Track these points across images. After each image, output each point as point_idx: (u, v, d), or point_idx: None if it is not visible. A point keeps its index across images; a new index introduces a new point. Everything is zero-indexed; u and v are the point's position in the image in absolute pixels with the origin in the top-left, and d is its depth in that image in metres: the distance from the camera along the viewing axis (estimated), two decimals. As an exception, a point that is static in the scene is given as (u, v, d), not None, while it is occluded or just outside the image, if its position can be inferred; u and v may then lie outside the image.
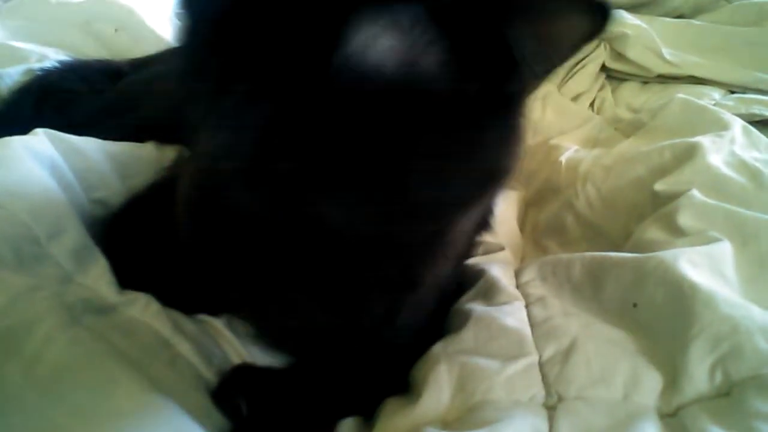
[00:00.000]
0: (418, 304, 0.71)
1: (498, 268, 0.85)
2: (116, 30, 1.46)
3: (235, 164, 0.48)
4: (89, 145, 0.88)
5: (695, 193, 0.84)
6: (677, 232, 0.81)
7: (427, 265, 0.67)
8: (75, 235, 0.74)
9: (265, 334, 0.77)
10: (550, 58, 0.49)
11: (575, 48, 0.49)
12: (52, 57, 1.28)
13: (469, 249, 0.88)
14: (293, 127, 0.46)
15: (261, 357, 0.77)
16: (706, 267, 0.70)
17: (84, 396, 0.57)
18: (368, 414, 0.70)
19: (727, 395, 0.59)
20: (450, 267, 0.75)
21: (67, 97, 1.09)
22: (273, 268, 0.64)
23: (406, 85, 0.46)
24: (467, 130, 0.49)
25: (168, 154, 0.97)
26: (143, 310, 0.71)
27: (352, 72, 0.44)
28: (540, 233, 1.05)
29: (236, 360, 0.75)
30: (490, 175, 0.54)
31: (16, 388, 0.56)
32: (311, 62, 0.44)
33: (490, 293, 0.80)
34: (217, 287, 0.72)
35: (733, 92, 1.32)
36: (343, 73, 0.44)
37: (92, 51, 1.38)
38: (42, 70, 1.18)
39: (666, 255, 0.71)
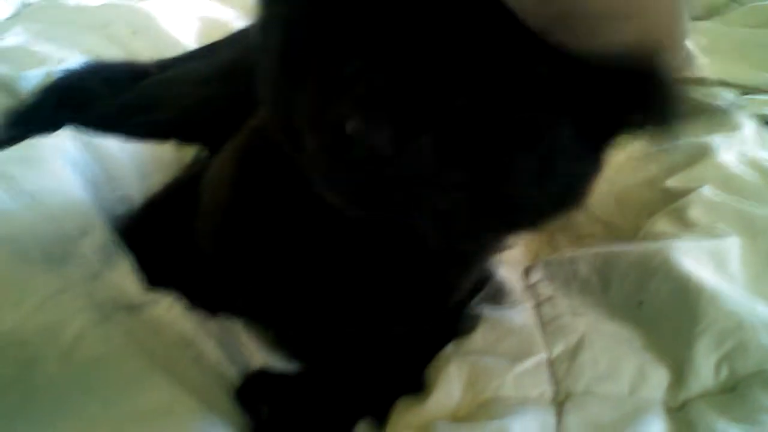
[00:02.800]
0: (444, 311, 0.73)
1: (506, 269, 0.87)
2: (133, 33, 1.48)
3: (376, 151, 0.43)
4: (112, 144, 0.90)
5: (706, 189, 0.86)
6: (686, 226, 0.83)
7: (459, 276, 0.70)
8: (101, 233, 0.76)
9: (282, 343, 0.78)
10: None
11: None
12: (71, 60, 1.31)
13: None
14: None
15: (278, 359, 0.78)
16: (711, 264, 0.72)
17: (115, 391, 0.60)
18: (382, 415, 0.71)
19: (733, 390, 0.61)
20: (480, 274, 0.77)
21: (88, 98, 1.11)
22: (316, 277, 0.65)
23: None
24: (562, 146, 0.47)
25: (187, 153, 0.99)
26: (168, 309, 0.73)
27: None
28: (552, 231, 1.06)
29: (257, 360, 0.76)
30: (570, 196, 0.53)
31: (50, 379, 0.58)
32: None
33: (499, 295, 0.81)
34: (240, 291, 0.74)
35: (745, 94, 1.32)
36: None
37: (109, 54, 1.40)
38: (64, 71, 1.20)
39: (671, 252, 0.73)
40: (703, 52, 1.41)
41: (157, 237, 0.80)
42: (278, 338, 0.78)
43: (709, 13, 1.63)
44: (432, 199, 0.47)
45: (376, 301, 0.67)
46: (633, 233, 0.92)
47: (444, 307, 0.73)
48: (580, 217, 1.01)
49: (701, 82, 1.34)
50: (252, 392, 0.71)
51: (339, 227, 0.58)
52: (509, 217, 0.52)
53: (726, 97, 1.28)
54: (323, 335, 0.73)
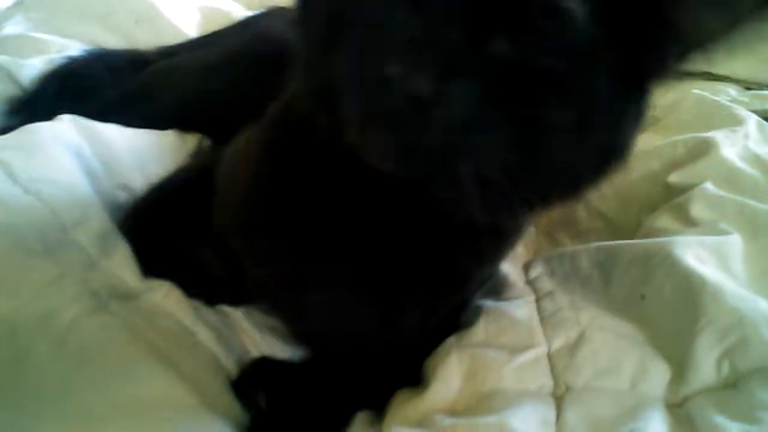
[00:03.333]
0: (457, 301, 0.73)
1: (507, 263, 0.86)
2: (136, 22, 1.48)
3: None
4: (113, 131, 0.90)
5: (708, 185, 0.85)
6: (688, 222, 0.82)
7: (475, 267, 0.69)
8: (99, 221, 0.76)
9: (290, 328, 0.78)
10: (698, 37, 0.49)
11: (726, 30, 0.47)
12: (73, 48, 1.30)
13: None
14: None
15: (278, 348, 0.78)
16: (713, 260, 0.71)
17: (109, 379, 0.59)
18: (381, 406, 0.71)
19: (734, 386, 0.61)
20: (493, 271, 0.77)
21: (90, 85, 1.11)
22: (334, 259, 0.65)
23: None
24: (600, 96, 0.47)
25: (189, 141, 0.98)
26: (165, 297, 0.73)
27: None
28: (553, 226, 1.06)
29: (254, 350, 0.76)
30: (612, 152, 0.52)
31: (46, 365, 0.58)
32: None
33: (500, 289, 0.81)
34: (249, 274, 0.74)
35: (749, 89, 1.31)
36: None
37: (112, 43, 1.39)
38: (66, 58, 1.19)
39: (674, 248, 0.72)
40: (708, 46, 1.40)
41: (160, 226, 0.80)
42: (284, 323, 0.78)
43: (714, 8, 1.62)
44: (473, 158, 0.46)
45: (398, 289, 0.67)
46: (634, 228, 0.92)
47: (460, 296, 0.74)
48: (580, 212, 1.01)
49: (706, 76, 1.34)
50: (249, 382, 0.71)
51: (368, 215, 0.59)
52: (550, 180, 0.51)
53: (729, 91, 1.28)
54: (338, 325, 0.72)
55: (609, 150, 0.51)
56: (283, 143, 0.65)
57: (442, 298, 0.71)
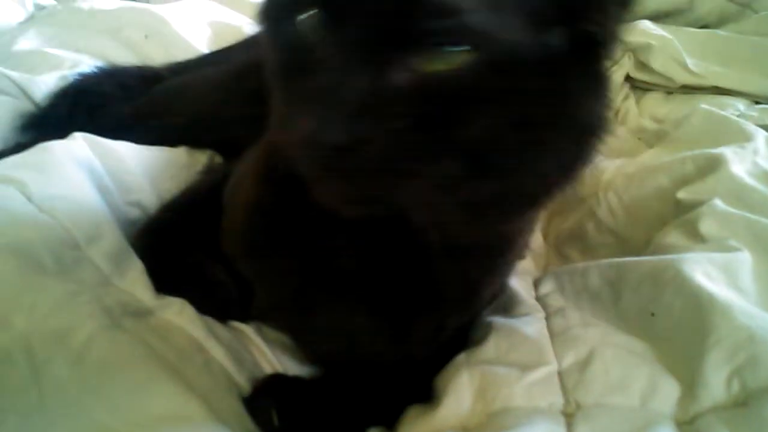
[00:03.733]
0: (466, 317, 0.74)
1: (517, 279, 0.87)
2: (146, 37, 1.49)
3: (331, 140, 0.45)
4: (124, 148, 0.91)
5: (717, 202, 0.85)
6: (697, 239, 0.82)
7: (484, 282, 0.70)
8: (112, 238, 0.76)
9: (301, 346, 0.79)
10: None
11: None
12: (85, 63, 1.32)
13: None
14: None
15: (291, 365, 0.79)
16: (723, 278, 0.71)
17: (124, 395, 0.60)
18: (392, 423, 0.72)
19: (744, 404, 0.60)
20: (503, 285, 0.77)
21: (102, 102, 1.12)
22: (335, 283, 0.66)
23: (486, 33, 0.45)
24: (550, 80, 0.47)
25: (200, 158, 0.99)
26: (178, 314, 0.73)
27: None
28: (562, 241, 1.06)
29: (266, 366, 0.77)
30: (582, 134, 0.52)
31: (60, 383, 0.59)
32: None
33: (510, 305, 0.82)
34: (257, 294, 0.74)
35: (758, 103, 1.32)
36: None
37: (122, 57, 1.41)
38: (79, 74, 1.21)
39: (683, 266, 0.72)
40: (716, 60, 1.41)
41: (172, 243, 0.80)
42: (296, 342, 0.79)
43: (722, 21, 1.62)
44: (412, 184, 0.49)
45: (406, 306, 0.67)
46: (644, 244, 0.92)
47: (467, 313, 0.74)
48: (590, 228, 1.02)
49: (714, 90, 1.35)
50: (262, 398, 0.71)
51: (355, 239, 0.61)
52: (519, 181, 0.52)
53: (738, 106, 1.28)
54: (343, 343, 0.73)
55: (584, 124, 0.52)
56: (272, 178, 0.66)
57: (450, 314, 0.71)
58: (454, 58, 0.45)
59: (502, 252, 0.70)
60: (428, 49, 0.45)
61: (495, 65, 0.45)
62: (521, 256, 0.93)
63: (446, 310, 0.70)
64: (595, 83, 0.52)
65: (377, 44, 0.45)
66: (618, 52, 0.55)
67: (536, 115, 0.48)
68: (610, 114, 0.54)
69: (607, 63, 0.53)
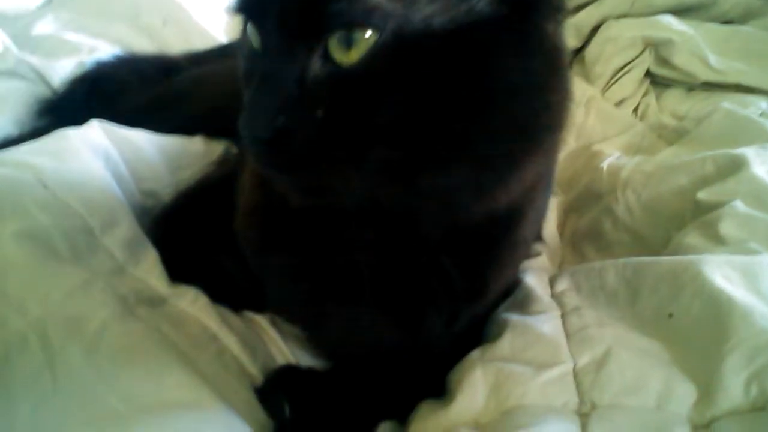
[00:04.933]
0: (478, 311, 0.73)
1: (533, 276, 0.86)
2: (164, 23, 1.49)
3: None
4: (141, 137, 0.91)
5: (738, 203, 0.84)
6: (717, 240, 0.81)
7: (493, 272, 0.69)
8: (128, 226, 0.77)
9: (313, 339, 0.79)
10: None
11: None
12: (102, 49, 1.32)
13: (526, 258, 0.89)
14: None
15: (303, 356, 0.79)
16: (742, 281, 0.70)
17: (138, 382, 0.60)
18: (404, 417, 0.72)
19: (763, 409, 0.59)
20: (513, 276, 0.76)
21: (119, 90, 1.12)
22: (339, 277, 0.66)
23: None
24: (475, 47, 0.48)
25: (216, 148, 0.99)
26: (192, 303, 0.74)
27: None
28: (579, 238, 1.06)
29: (279, 357, 0.77)
30: (518, 97, 0.50)
31: (74, 370, 0.59)
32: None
33: (526, 303, 0.81)
34: (271, 290, 0.74)
35: (782, 101, 1.30)
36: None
37: (139, 43, 1.41)
38: (96, 61, 1.21)
39: (703, 267, 0.71)
40: (738, 56, 1.39)
41: (187, 233, 0.81)
42: (309, 336, 0.79)
43: (746, 16, 1.60)
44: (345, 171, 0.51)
45: (416, 297, 0.67)
46: (662, 244, 0.91)
47: (477, 305, 0.73)
48: (606, 225, 1.01)
49: (736, 88, 1.33)
50: (274, 389, 0.71)
51: (357, 234, 0.61)
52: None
53: (760, 104, 1.26)
54: (356, 334, 0.73)
55: (517, 92, 0.51)
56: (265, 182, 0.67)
57: (460, 306, 0.70)
58: (360, 42, 0.46)
59: (505, 243, 0.69)
60: (337, 36, 0.46)
61: (404, 43, 0.46)
62: (532, 251, 0.93)
63: (455, 302, 0.69)
64: (529, 44, 0.50)
65: (292, 37, 0.47)
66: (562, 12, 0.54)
67: (460, 85, 0.48)
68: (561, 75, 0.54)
69: (549, 23, 0.52)
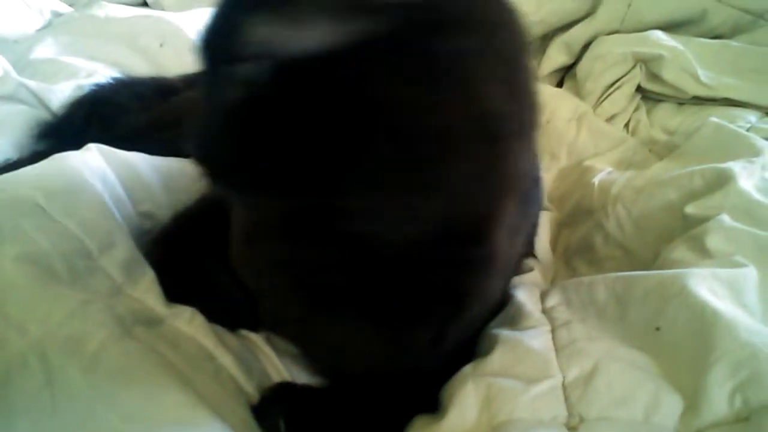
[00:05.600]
0: (469, 326, 0.74)
1: (524, 292, 0.87)
2: (161, 45, 1.51)
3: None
4: (138, 159, 0.92)
5: (725, 217, 0.85)
6: (704, 254, 0.82)
7: (474, 284, 0.69)
8: (125, 248, 0.78)
9: (307, 356, 0.80)
10: None
11: None
12: (100, 72, 1.34)
13: (515, 273, 0.90)
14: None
15: (299, 373, 0.80)
16: (728, 294, 0.71)
17: (136, 402, 0.61)
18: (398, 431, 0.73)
19: (747, 420, 0.60)
20: (499, 291, 0.77)
21: (117, 112, 1.13)
22: (321, 293, 0.67)
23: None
24: (362, 68, 0.49)
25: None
26: (189, 322, 0.75)
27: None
28: (571, 254, 1.07)
29: (274, 375, 0.78)
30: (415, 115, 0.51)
31: (73, 389, 0.60)
32: None
33: (517, 318, 0.82)
34: (262, 307, 0.76)
35: (769, 115, 1.31)
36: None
37: (137, 65, 1.43)
38: (94, 85, 1.22)
39: (688, 281, 0.72)
40: (728, 71, 1.40)
41: (184, 254, 0.82)
42: (302, 351, 0.80)
43: (735, 31, 1.61)
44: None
45: (402, 313, 0.68)
46: (652, 258, 0.92)
47: (467, 316, 0.74)
48: (597, 241, 1.02)
49: (725, 102, 1.34)
50: (269, 407, 0.72)
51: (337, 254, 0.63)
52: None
53: (749, 118, 1.27)
54: (344, 348, 0.74)
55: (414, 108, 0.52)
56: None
57: (448, 319, 0.71)
58: (244, 73, 0.50)
59: (483, 260, 0.68)
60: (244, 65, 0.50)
61: (286, 70, 0.49)
62: (523, 266, 0.94)
63: (439, 319, 0.70)
64: (418, 61, 0.50)
65: (213, 67, 0.53)
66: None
67: (351, 107, 0.49)
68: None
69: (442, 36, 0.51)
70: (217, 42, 0.52)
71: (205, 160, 0.55)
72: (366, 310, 0.67)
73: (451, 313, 0.70)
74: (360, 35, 0.48)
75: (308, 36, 0.47)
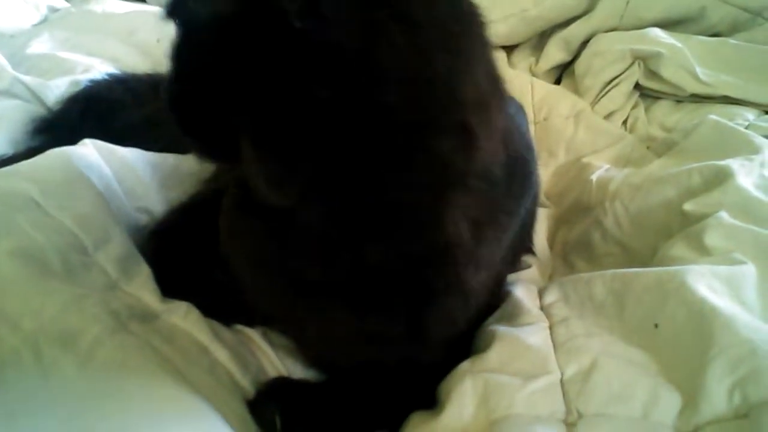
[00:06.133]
0: (449, 320, 0.72)
1: (522, 288, 0.87)
2: (158, 41, 1.50)
3: None
4: (134, 155, 0.92)
5: (723, 214, 0.85)
6: (703, 251, 0.82)
7: (439, 276, 0.68)
8: (120, 243, 0.78)
9: (301, 349, 0.80)
10: None
11: None
12: (97, 68, 1.33)
13: (508, 271, 0.89)
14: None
15: (295, 368, 0.79)
16: (726, 291, 0.71)
17: (131, 396, 0.61)
18: (396, 428, 0.72)
19: (746, 417, 0.60)
20: (487, 288, 0.76)
21: (113, 108, 1.13)
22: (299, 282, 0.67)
23: None
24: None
25: (208, 166, 1.00)
26: (184, 317, 0.74)
27: None
28: (569, 251, 1.07)
29: (270, 369, 0.78)
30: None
31: (71, 382, 0.60)
32: None
33: (514, 314, 0.81)
34: (253, 301, 0.75)
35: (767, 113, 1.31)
36: None
37: (134, 61, 1.42)
38: (90, 81, 1.22)
39: (686, 277, 0.72)
40: (726, 69, 1.40)
41: (179, 249, 0.81)
42: (296, 343, 0.80)
43: (734, 29, 1.61)
44: None
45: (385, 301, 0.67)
46: (650, 255, 0.92)
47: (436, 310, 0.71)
48: (596, 238, 1.01)
49: (724, 100, 1.34)
50: (265, 402, 0.72)
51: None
52: None
53: (747, 116, 1.27)
54: (331, 336, 0.73)
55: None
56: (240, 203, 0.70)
57: (419, 310, 0.69)
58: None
59: (439, 251, 0.66)
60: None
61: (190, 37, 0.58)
62: (515, 264, 0.93)
63: (408, 310, 0.68)
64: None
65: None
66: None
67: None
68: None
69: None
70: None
71: (170, 108, 0.62)
72: (338, 297, 0.66)
73: (420, 304, 0.68)
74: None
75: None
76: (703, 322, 0.67)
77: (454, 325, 0.74)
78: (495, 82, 0.62)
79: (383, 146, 0.53)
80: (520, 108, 1.01)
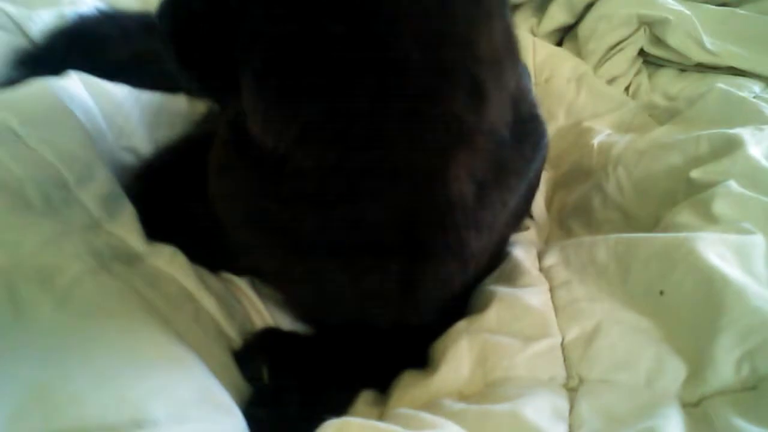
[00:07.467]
0: (445, 283, 0.70)
1: (521, 249, 0.84)
2: (151, -21, 1.45)
3: None
4: (121, 91, 0.88)
5: (732, 183, 0.82)
6: (710, 219, 0.79)
7: (435, 233, 0.65)
8: (104, 182, 0.74)
9: (291, 303, 0.77)
10: None
11: None
12: (84, 1, 1.28)
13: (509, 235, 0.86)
14: None
15: (283, 320, 0.77)
16: (736, 260, 0.69)
17: (112, 335, 0.58)
18: (385, 386, 0.70)
19: (754, 389, 0.58)
20: (487, 251, 0.74)
21: (100, 44, 1.08)
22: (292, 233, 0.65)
23: None
24: None
25: (198, 107, 0.96)
26: (169, 261, 0.72)
27: None
28: (566, 215, 1.04)
29: (258, 320, 0.76)
30: None
31: (48, 321, 0.56)
32: None
33: (514, 275, 0.79)
34: (241, 251, 0.73)
35: (776, 85, 1.29)
36: None
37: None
38: (78, 14, 1.17)
39: (696, 244, 0.70)
40: (733, 39, 1.37)
41: (166, 191, 0.79)
42: (284, 296, 0.78)
43: (742, 0, 1.58)
44: None
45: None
46: (651, 223, 0.90)
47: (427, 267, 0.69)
48: (596, 202, 0.99)
49: (729, 71, 1.32)
50: (253, 353, 0.70)
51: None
52: None
53: (753, 88, 1.25)
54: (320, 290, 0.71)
55: None
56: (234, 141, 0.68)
57: (411, 267, 0.67)
58: None
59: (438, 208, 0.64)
60: None
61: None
62: (517, 225, 0.91)
63: (400, 266, 0.66)
64: None
65: None
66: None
67: None
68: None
69: None
70: None
71: (168, 37, 0.58)
72: (330, 252, 0.64)
73: (415, 265, 0.66)
74: None
75: None
76: (712, 291, 0.64)
77: (450, 288, 0.72)
78: (510, 40, 0.60)
79: (393, 95, 0.51)
80: (525, 68, 0.98)
